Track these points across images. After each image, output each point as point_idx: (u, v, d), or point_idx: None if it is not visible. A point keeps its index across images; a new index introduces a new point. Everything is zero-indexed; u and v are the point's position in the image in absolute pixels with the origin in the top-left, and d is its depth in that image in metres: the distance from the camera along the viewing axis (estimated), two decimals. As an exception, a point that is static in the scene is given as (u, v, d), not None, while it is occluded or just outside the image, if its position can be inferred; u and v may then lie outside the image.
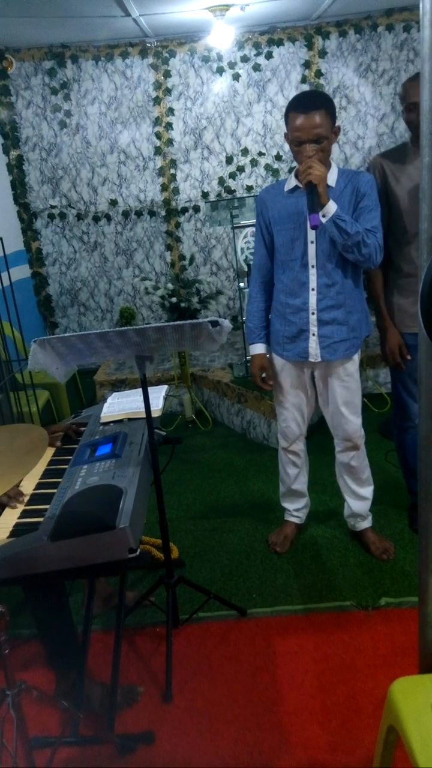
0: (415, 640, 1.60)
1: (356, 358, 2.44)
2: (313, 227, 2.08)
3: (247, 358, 4.11)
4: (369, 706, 1.94)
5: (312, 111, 2.09)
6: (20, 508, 1.87)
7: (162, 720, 1.96)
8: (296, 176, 2.29)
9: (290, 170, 5.06)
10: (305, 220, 2.24)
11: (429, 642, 1.52)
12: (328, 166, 2.23)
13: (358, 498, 2.63)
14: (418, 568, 1.51)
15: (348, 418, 2.47)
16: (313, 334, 2.36)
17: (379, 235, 2.23)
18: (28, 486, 1.97)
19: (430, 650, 1.52)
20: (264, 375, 2.53)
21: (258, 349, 2.53)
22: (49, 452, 2.21)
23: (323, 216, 2.13)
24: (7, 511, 1.85)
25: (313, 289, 2.31)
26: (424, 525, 1.46)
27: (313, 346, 2.37)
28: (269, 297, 2.51)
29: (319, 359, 2.38)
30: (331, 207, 2.13)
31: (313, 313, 2.34)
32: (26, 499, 1.92)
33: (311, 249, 2.28)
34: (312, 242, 2.27)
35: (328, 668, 2.09)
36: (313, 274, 2.30)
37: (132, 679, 2.13)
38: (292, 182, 2.29)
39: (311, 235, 2.26)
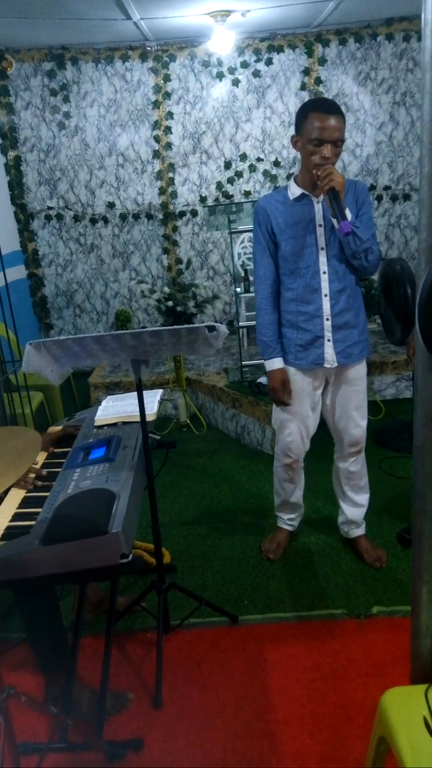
0: (407, 649, 1.59)
1: (365, 360, 2.46)
2: (346, 234, 2.09)
3: (243, 363, 4.10)
4: (359, 715, 1.93)
5: (336, 114, 2.12)
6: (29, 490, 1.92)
7: (151, 726, 1.94)
8: (296, 182, 2.29)
9: (288, 176, 5.08)
10: (315, 227, 2.26)
11: (421, 652, 1.51)
12: None
13: (355, 505, 2.62)
14: (412, 578, 1.50)
15: (357, 422, 2.47)
16: (329, 340, 2.35)
17: (377, 243, 2.27)
18: (19, 490, 1.95)
19: (422, 661, 1.52)
20: (286, 390, 2.44)
21: (277, 363, 2.43)
22: (42, 454, 2.20)
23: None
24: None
25: (326, 295, 2.32)
26: (418, 535, 1.45)
27: (329, 351, 2.36)
28: (278, 308, 2.44)
29: (336, 364, 2.37)
30: (348, 214, 2.16)
31: (327, 319, 2.34)
32: (43, 473, 1.99)
33: (322, 255, 2.28)
34: (322, 248, 2.28)
35: (319, 677, 2.08)
36: (324, 280, 2.30)
37: (122, 684, 2.11)
38: (297, 190, 2.28)
39: (321, 241, 2.27)
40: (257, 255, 2.41)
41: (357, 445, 2.51)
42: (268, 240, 2.36)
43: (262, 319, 2.44)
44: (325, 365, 2.38)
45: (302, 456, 2.60)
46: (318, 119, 2.11)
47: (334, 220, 2.15)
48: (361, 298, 2.42)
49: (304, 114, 2.17)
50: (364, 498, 2.63)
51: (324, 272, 2.30)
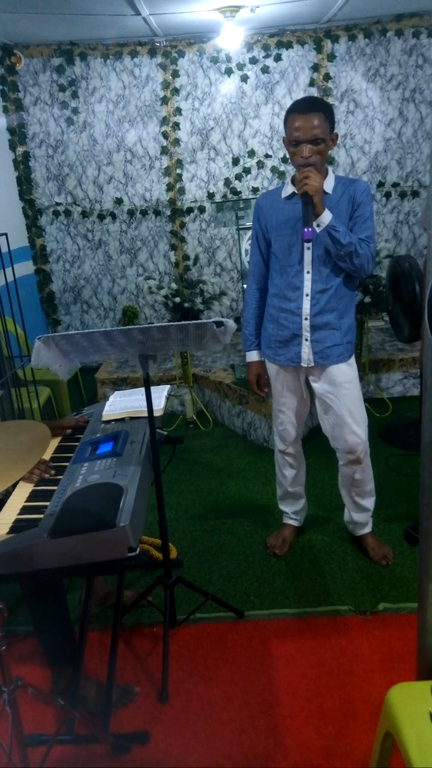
0: (413, 646, 1.60)
1: (352, 362, 2.44)
2: (306, 241, 2.11)
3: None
4: (365, 711, 1.93)
5: (311, 112, 2.12)
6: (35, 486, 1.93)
7: (157, 720, 1.95)
8: (293, 183, 2.29)
9: (296, 173, 5.06)
10: (302, 226, 2.25)
11: (427, 648, 1.51)
12: (324, 172, 2.24)
13: (360, 509, 2.63)
14: (419, 574, 1.50)
15: (351, 428, 2.42)
16: (306, 339, 2.36)
17: (372, 246, 2.25)
18: (28, 483, 1.96)
19: (428, 657, 1.52)
20: (259, 382, 2.58)
21: (253, 356, 2.57)
22: (51, 449, 2.20)
23: (318, 225, 2.18)
24: (8, 506, 1.84)
25: (307, 295, 2.32)
26: (426, 530, 1.45)
27: (306, 351, 2.37)
28: (264, 303, 2.51)
29: (312, 364, 2.38)
30: (326, 217, 2.16)
31: (306, 319, 2.34)
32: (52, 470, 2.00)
33: (307, 255, 2.29)
34: (308, 248, 2.28)
35: (324, 672, 2.09)
36: (308, 279, 2.31)
37: (128, 678, 2.12)
38: (290, 189, 2.31)
39: None
40: (252, 249, 2.49)
41: (353, 453, 2.46)
42: (261, 237, 2.41)
43: (245, 313, 2.56)
44: (302, 364, 2.40)
45: (296, 441, 2.64)
46: (295, 120, 2.14)
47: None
48: (350, 300, 2.38)
49: (286, 116, 2.20)
50: (369, 502, 2.63)
51: (308, 272, 2.30)
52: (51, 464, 2.02)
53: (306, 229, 2.08)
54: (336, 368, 2.39)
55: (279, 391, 2.53)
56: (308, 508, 2.83)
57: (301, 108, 2.14)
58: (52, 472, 1.99)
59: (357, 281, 2.41)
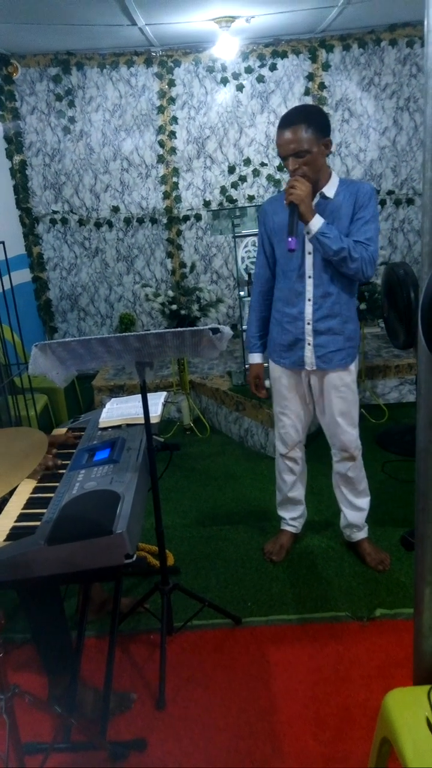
0: (410, 651, 1.60)
1: (353, 368, 2.45)
2: (290, 250, 2.14)
3: (246, 366, 4.12)
4: (362, 717, 1.93)
5: (291, 126, 2.14)
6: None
7: (155, 727, 1.95)
8: None
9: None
10: (302, 230, 2.27)
11: (424, 653, 1.52)
12: (327, 177, 2.26)
13: (355, 509, 2.63)
14: (415, 578, 1.51)
15: (344, 428, 2.48)
16: (309, 344, 2.38)
17: (372, 248, 2.23)
18: (25, 490, 1.97)
19: (425, 662, 1.52)
20: (257, 383, 2.64)
21: (255, 358, 2.63)
22: (46, 457, 2.20)
23: (307, 232, 2.21)
24: (4, 513, 1.85)
25: (309, 300, 2.34)
26: (421, 536, 1.46)
27: (308, 355, 2.40)
28: (268, 307, 2.54)
29: (315, 368, 2.40)
30: (315, 223, 2.17)
31: (308, 323, 2.36)
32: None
33: (308, 260, 2.30)
34: (309, 253, 2.29)
35: (322, 678, 2.09)
36: (309, 284, 2.32)
37: (125, 685, 2.12)
38: None
39: (309, 246, 2.28)
40: (258, 254, 2.54)
41: (347, 450, 2.52)
42: (266, 240, 2.44)
43: (250, 315, 2.61)
44: (306, 367, 2.42)
45: (298, 446, 2.65)
46: (278, 135, 2.19)
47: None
48: (351, 305, 2.39)
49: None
50: (364, 502, 2.64)
51: (309, 276, 2.32)
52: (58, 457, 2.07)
53: (290, 239, 2.11)
54: (335, 373, 2.42)
55: (282, 394, 2.55)
56: (307, 515, 2.83)
57: (282, 123, 2.18)
58: (56, 465, 2.02)
59: (356, 287, 2.42)
